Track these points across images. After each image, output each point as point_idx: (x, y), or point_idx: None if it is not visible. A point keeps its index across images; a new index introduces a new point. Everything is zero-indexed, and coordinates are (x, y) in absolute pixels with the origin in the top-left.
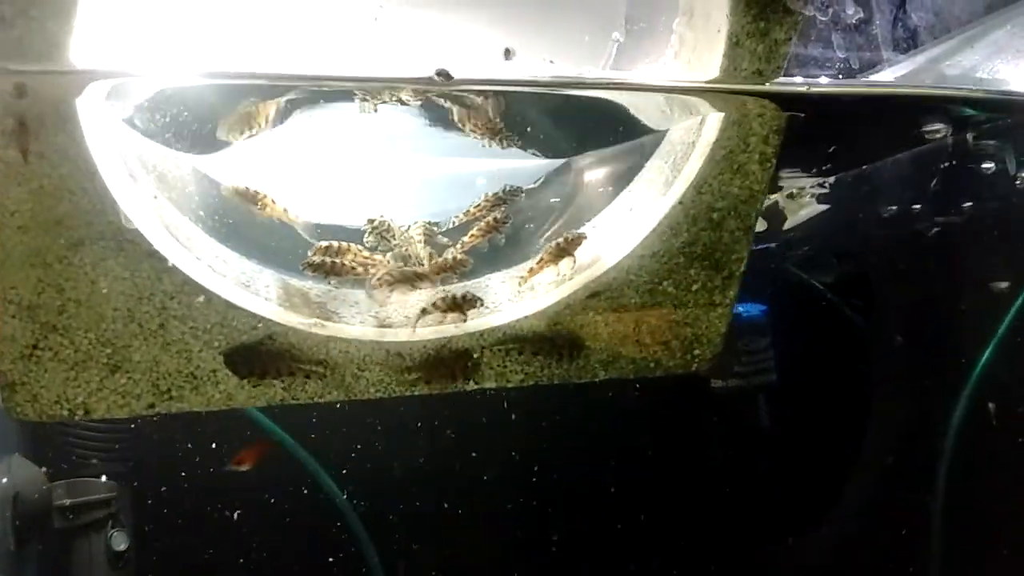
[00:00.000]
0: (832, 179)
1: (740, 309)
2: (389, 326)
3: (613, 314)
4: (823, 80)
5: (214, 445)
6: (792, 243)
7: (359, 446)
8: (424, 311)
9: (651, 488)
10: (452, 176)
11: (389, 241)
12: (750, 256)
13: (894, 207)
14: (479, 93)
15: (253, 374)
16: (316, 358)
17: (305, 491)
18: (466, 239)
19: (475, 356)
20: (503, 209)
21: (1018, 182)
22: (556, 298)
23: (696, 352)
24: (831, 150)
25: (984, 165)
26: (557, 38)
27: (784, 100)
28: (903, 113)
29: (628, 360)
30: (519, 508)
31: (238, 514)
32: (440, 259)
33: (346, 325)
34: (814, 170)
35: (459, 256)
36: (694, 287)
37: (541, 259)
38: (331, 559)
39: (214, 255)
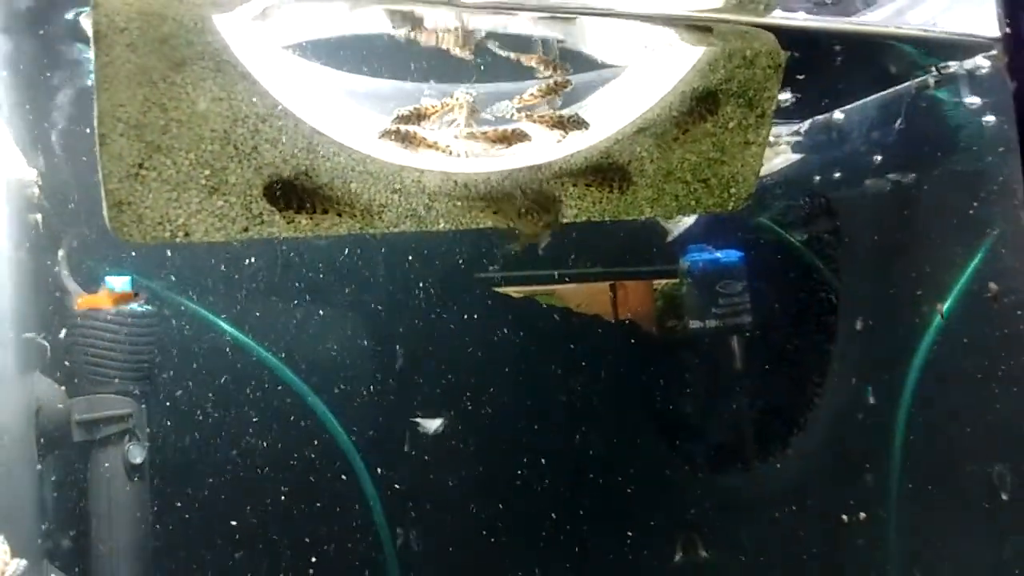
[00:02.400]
0: (806, 125)
1: (719, 255)
2: (457, 156)
3: (658, 150)
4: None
5: (223, 368)
6: (768, 190)
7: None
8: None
9: (633, 419)
10: None
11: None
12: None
13: (859, 153)
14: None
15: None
16: (392, 187)
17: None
18: (526, 96)
19: (532, 190)
20: (562, 72)
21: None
22: (607, 133)
23: (732, 191)
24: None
25: (945, 110)
26: None
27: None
28: (870, 54)
29: (672, 197)
30: (497, 446)
31: (245, 432)
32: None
33: (417, 155)
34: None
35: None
36: (730, 124)
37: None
38: (328, 480)
39: (304, 83)
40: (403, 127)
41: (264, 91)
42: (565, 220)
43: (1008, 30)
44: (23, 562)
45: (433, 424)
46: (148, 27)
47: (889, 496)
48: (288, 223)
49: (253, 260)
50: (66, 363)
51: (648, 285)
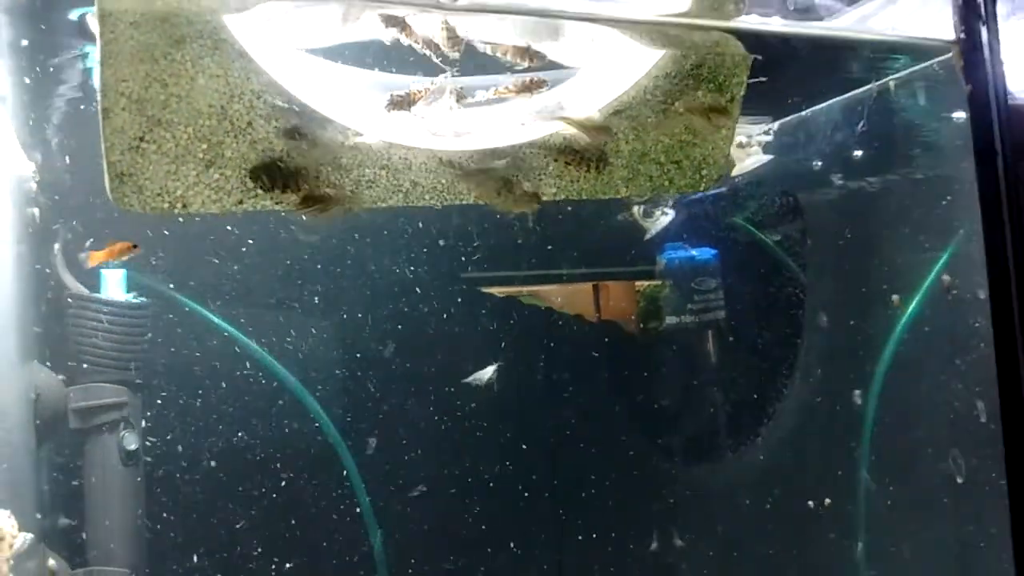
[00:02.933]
0: (776, 126)
1: (694, 253)
2: (441, 136)
3: (633, 132)
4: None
5: (212, 360)
6: (741, 190)
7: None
8: None
9: (612, 412)
10: None
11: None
12: (702, 203)
13: (825, 153)
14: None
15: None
16: (379, 163)
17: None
18: (502, 89)
19: (514, 167)
20: (537, 60)
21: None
22: (585, 115)
23: (704, 172)
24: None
25: (908, 112)
26: None
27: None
28: (835, 58)
29: (646, 178)
30: (481, 438)
31: (234, 421)
32: None
33: (405, 134)
34: (760, 116)
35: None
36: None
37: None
38: (314, 466)
39: (298, 65)
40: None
41: (259, 68)
42: (545, 198)
43: (963, 35)
44: (29, 536)
45: (486, 374)
46: (150, 5)
47: (856, 483)
48: (281, 195)
49: (243, 257)
50: (63, 353)
51: (630, 286)
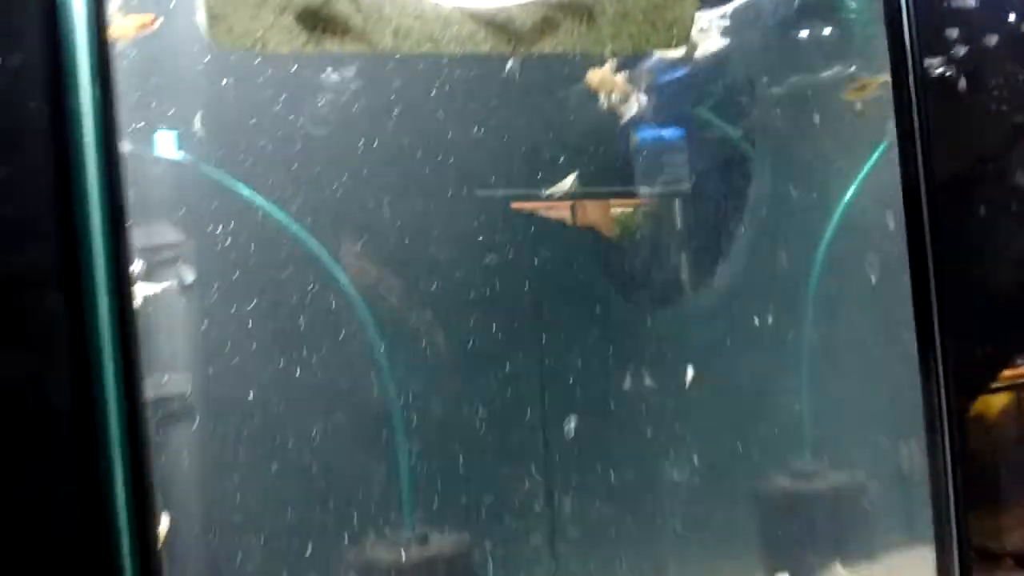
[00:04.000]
0: (730, 9)
1: (663, 132)
2: None
3: None
4: None
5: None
6: (703, 74)
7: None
8: None
9: (593, 276)
10: None
11: None
12: (670, 87)
13: (777, 39)
14: None
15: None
16: (414, 14)
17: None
18: None
19: (522, 22)
20: None
21: None
22: None
23: (674, 31)
24: None
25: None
26: None
27: None
28: None
29: (628, 35)
30: (483, 314)
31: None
32: None
33: None
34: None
35: None
36: None
37: None
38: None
39: None
40: None
41: None
42: (546, 50)
43: None
44: None
45: (566, 184)
46: None
47: (800, 306)
48: (337, 40)
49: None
50: None
51: (605, 204)
